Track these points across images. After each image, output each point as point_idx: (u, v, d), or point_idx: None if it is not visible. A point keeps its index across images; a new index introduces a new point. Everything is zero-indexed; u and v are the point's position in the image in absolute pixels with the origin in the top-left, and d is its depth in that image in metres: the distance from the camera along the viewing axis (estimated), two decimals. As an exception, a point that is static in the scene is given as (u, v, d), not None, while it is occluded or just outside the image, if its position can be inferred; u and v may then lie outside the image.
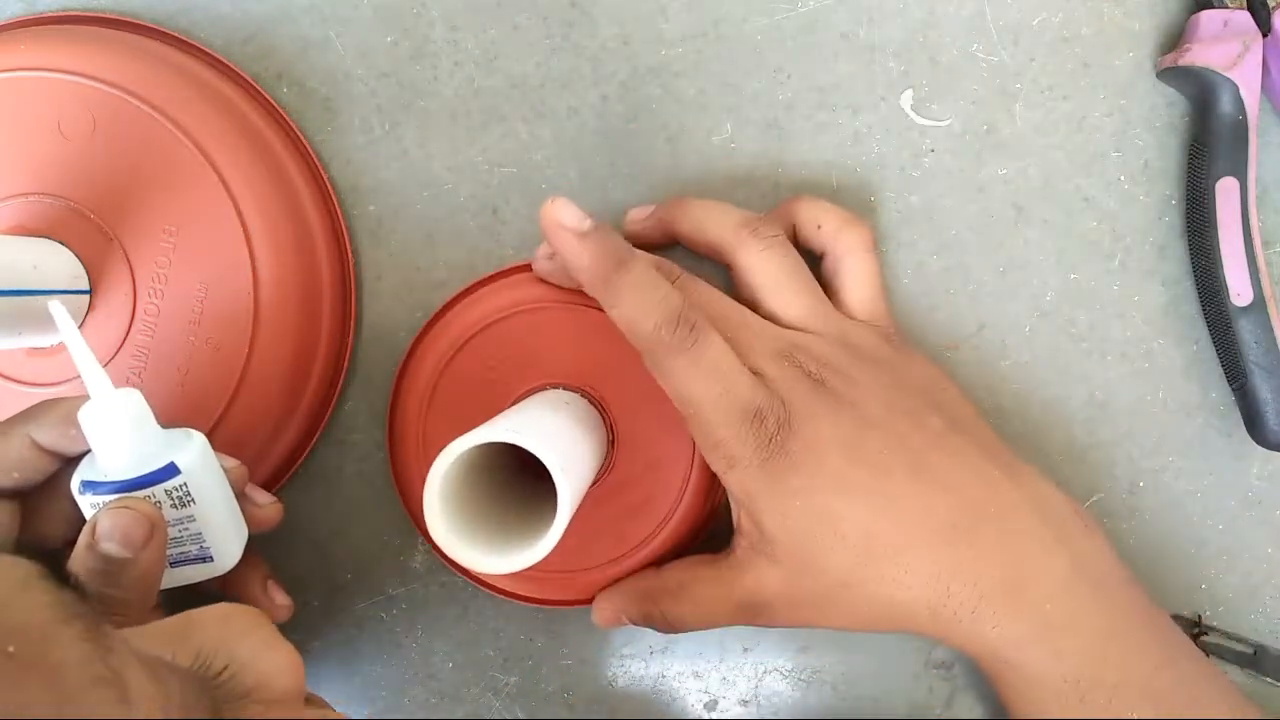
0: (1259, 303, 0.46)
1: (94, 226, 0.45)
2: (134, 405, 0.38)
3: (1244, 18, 0.46)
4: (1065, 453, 0.50)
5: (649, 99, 0.49)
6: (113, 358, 0.45)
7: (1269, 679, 0.49)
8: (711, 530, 0.49)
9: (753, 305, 0.45)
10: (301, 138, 0.50)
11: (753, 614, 0.44)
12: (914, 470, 0.42)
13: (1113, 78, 0.49)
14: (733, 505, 0.44)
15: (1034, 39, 0.49)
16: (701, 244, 0.46)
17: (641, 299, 0.40)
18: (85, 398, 0.37)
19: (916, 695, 0.50)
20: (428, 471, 0.36)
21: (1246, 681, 0.49)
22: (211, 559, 0.40)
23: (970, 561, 0.41)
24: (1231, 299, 0.46)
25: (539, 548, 0.37)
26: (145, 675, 0.27)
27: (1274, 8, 0.46)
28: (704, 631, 0.49)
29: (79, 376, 0.44)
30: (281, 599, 0.46)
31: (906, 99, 0.49)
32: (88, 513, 0.38)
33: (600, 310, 0.42)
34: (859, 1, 0.49)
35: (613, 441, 0.47)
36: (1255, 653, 0.49)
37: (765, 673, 0.50)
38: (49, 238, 0.45)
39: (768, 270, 0.45)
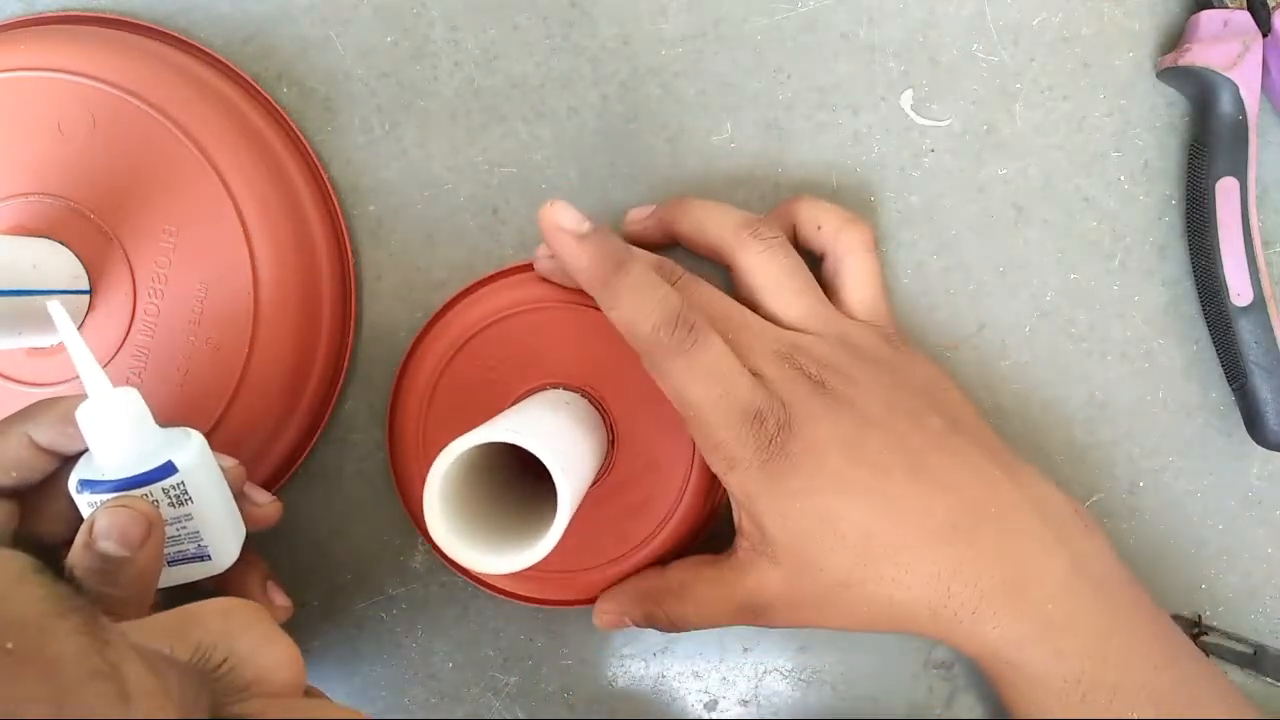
0: (1259, 303, 0.46)
1: (94, 226, 0.45)
2: (132, 404, 0.38)
3: (1244, 18, 0.46)
4: (1065, 453, 0.50)
5: (649, 99, 0.49)
6: (113, 358, 0.45)
7: (1269, 679, 0.49)
8: (712, 530, 0.48)
9: (753, 306, 0.45)
10: (301, 138, 0.50)
11: (754, 614, 0.44)
12: (914, 470, 0.42)
13: (1113, 78, 0.49)
14: (733, 506, 0.44)
15: (1034, 39, 0.49)
16: (701, 245, 0.46)
17: (640, 301, 0.40)
18: (83, 397, 0.37)
19: (916, 695, 0.50)
20: (428, 471, 0.36)
21: (1246, 681, 0.49)
22: (209, 557, 0.40)
23: (970, 561, 0.41)
24: (1231, 299, 0.46)
25: (539, 548, 0.37)
26: (144, 669, 0.26)
27: (1274, 8, 0.46)
28: (704, 631, 0.49)
29: (79, 376, 0.44)
30: (281, 600, 0.45)
31: (906, 99, 0.49)
32: (85, 511, 0.38)
33: (600, 310, 0.42)
34: (859, 1, 0.49)
35: (613, 441, 0.47)
36: (1255, 653, 0.49)
37: (765, 673, 0.50)
38: (49, 238, 0.45)
39: (767, 271, 0.45)
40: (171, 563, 0.40)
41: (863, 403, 0.42)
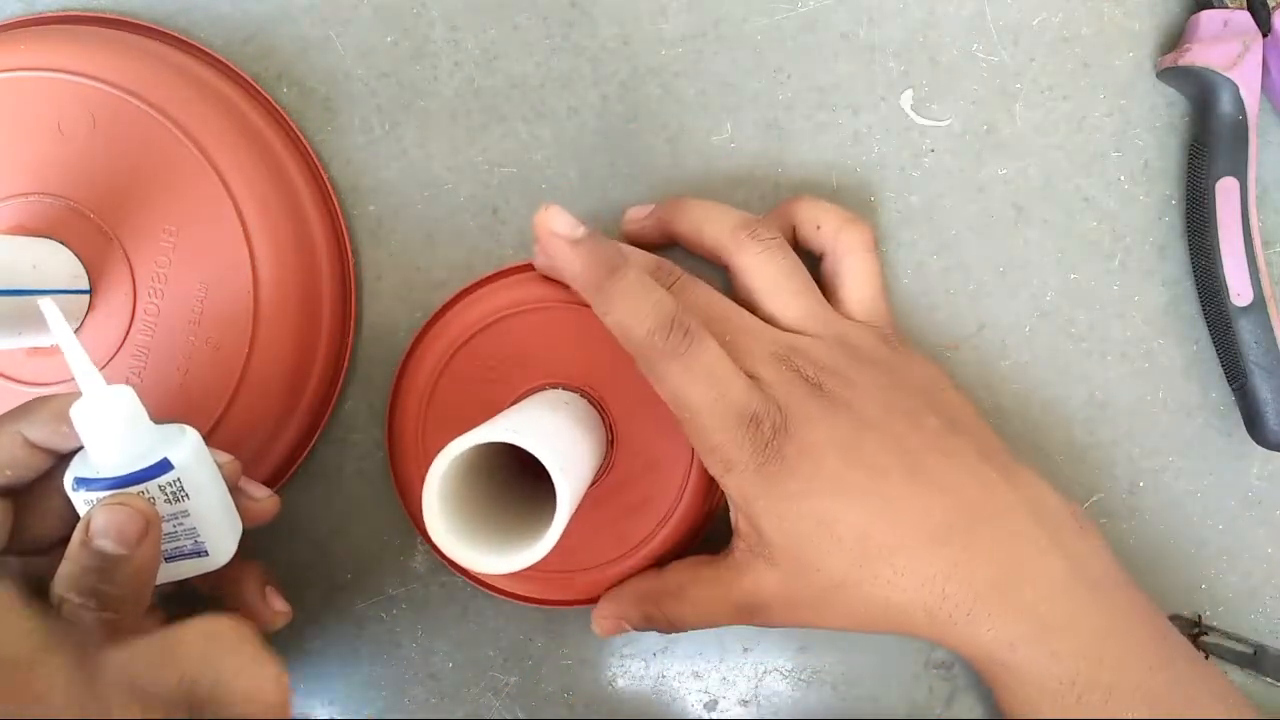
0: (1259, 303, 0.46)
1: (94, 226, 0.45)
2: (126, 402, 0.38)
3: (1244, 18, 0.46)
4: (1065, 453, 0.50)
5: (649, 99, 0.49)
6: (113, 357, 0.45)
7: (1269, 679, 0.49)
8: (710, 531, 0.48)
9: (750, 307, 0.45)
10: (301, 138, 0.50)
11: (751, 614, 0.44)
12: (911, 472, 0.42)
13: (1113, 78, 0.49)
14: (730, 507, 0.44)
15: (1034, 39, 0.49)
16: (699, 245, 0.47)
17: (633, 305, 0.40)
18: (77, 395, 0.37)
19: (916, 695, 0.50)
20: (427, 471, 0.36)
21: (1246, 681, 0.49)
22: (206, 554, 0.40)
23: (965, 563, 0.41)
24: (1231, 299, 0.46)
25: (538, 548, 0.37)
26: (131, 700, 0.27)
27: (1274, 8, 0.46)
28: (704, 631, 0.50)
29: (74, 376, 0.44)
30: (279, 605, 0.45)
31: (906, 99, 0.49)
32: (81, 509, 0.38)
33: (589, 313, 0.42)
34: (859, 1, 0.49)
35: (612, 441, 0.47)
36: (1255, 653, 0.49)
37: (765, 673, 0.50)
38: (49, 237, 0.45)
39: (765, 272, 0.45)
40: (169, 559, 0.40)
41: (860, 404, 0.42)
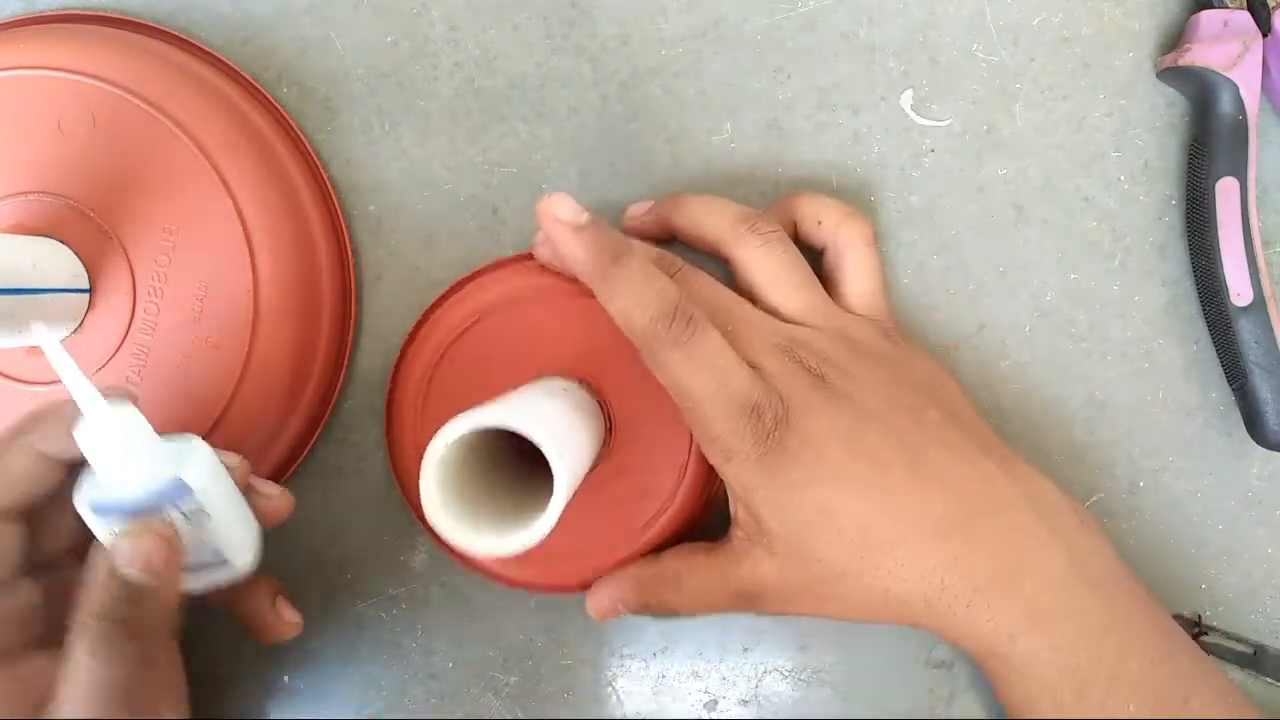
0: (1259, 303, 0.46)
1: (94, 225, 0.45)
2: (133, 422, 0.37)
3: (1244, 18, 0.46)
4: (1065, 453, 0.50)
5: (649, 99, 0.49)
6: (112, 356, 0.45)
7: (1269, 679, 0.48)
8: (709, 519, 0.48)
9: (752, 300, 0.45)
10: (302, 137, 0.50)
11: (747, 602, 0.44)
12: (912, 465, 0.42)
13: (1113, 78, 0.49)
14: (730, 496, 0.44)
15: (1034, 39, 0.49)
16: (700, 239, 0.47)
17: (637, 293, 0.40)
18: (72, 401, 0.36)
19: (917, 695, 0.50)
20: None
21: (1246, 681, 0.49)
22: (228, 563, 0.41)
23: (965, 555, 0.41)
24: (1231, 299, 0.46)
25: (535, 529, 0.36)
26: None
27: (1274, 8, 0.46)
28: (704, 631, 0.50)
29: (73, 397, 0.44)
30: (290, 615, 0.45)
31: (906, 99, 0.49)
32: (100, 534, 0.38)
33: (595, 298, 0.42)
34: (859, 1, 0.49)
35: (610, 429, 0.46)
36: (1255, 653, 0.49)
37: (765, 673, 0.50)
38: (49, 236, 0.45)
39: (766, 266, 0.45)
40: (192, 571, 0.40)
41: (861, 397, 0.42)
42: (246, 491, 0.41)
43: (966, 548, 0.41)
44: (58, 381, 0.45)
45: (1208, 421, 0.49)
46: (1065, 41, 0.49)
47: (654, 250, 0.46)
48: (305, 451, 0.50)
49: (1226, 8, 0.46)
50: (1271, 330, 0.46)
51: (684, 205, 0.47)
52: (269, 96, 0.50)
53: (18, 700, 0.39)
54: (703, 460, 0.46)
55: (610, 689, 0.50)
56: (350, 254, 0.50)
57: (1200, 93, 0.47)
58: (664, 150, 0.50)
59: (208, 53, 0.49)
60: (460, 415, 0.36)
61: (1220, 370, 0.48)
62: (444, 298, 0.48)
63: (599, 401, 0.46)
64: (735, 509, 0.44)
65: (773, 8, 0.49)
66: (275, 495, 0.42)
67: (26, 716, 0.38)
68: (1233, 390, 0.48)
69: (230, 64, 0.49)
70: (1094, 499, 0.49)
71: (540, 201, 0.40)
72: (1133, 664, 0.41)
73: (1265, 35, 0.46)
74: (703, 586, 0.44)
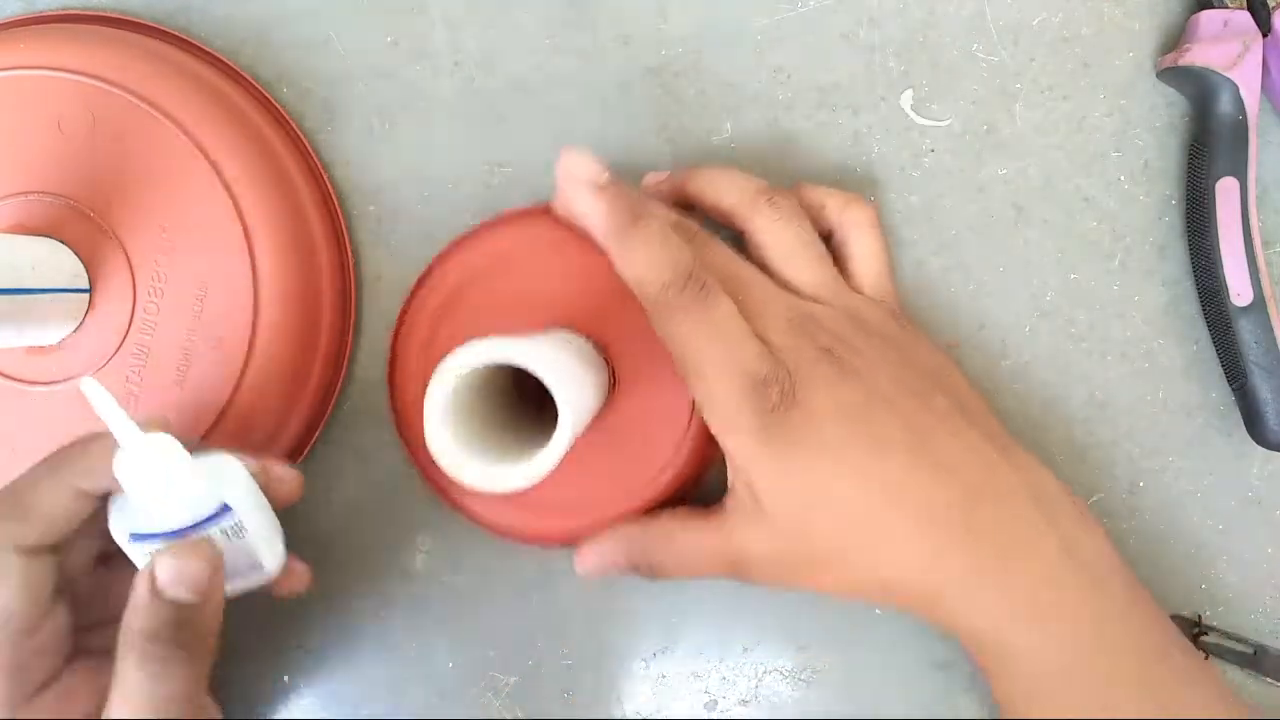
0: (1259, 303, 0.46)
1: (93, 225, 0.45)
2: (173, 452, 0.37)
3: (1244, 18, 0.46)
4: (1065, 453, 0.49)
5: (649, 99, 0.49)
6: (112, 356, 0.45)
7: (1269, 679, 0.48)
8: (707, 482, 0.48)
9: (765, 273, 0.45)
10: (301, 137, 0.50)
11: (735, 569, 0.44)
12: (915, 449, 0.41)
13: (1113, 78, 0.49)
14: (729, 465, 0.44)
15: (1034, 39, 0.49)
16: (716, 209, 0.46)
17: (652, 255, 0.40)
18: (106, 434, 0.37)
19: (917, 695, 0.50)
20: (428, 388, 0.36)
21: (1246, 682, 0.49)
22: (263, 567, 0.41)
23: (961, 542, 0.41)
24: (1231, 299, 0.46)
25: (540, 461, 0.36)
26: None
27: (1274, 8, 0.46)
28: (704, 631, 0.50)
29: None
30: (300, 566, 0.45)
31: (906, 99, 0.49)
32: (140, 563, 0.38)
33: (604, 254, 0.41)
34: (859, 1, 0.49)
35: (614, 387, 0.46)
36: (1255, 653, 0.49)
37: (765, 673, 0.50)
38: (49, 236, 0.45)
39: (782, 239, 0.45)
40: (229, 579, 0.40)
41: (870, 376, 0.42)
42: (266, 488, 0.41)
43: (964, 534, 0.41)
44: (56, 382, 0.45)
45: (1208, 421, 0.49)
46: (1065, 41, 0.49)
47: (673, 215, 0.45)
48: (305, 452, 0.50)
49: (1226, 8, 0.46)
50: (1271, 330, 0.46)
51: (702, 175, 0.46)
52: (269, 96, 0.50)
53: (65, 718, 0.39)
54: (704, 425, 0.45)
55: (610, 689, 0.50)
56: (350, 254, 0.50)
57: (1200, 93, 0.47)
58: (664, 150, 0.50)
59: (207, 53, 0.49)
60: (469, 344, 0.36)
61: (1220, 370, 0.48)
62: (459, 243, 0.48)
63: (605, 359, 0.46)
64: (732, 478, 0.44)
65: (773, 8, 0.49)
66: (290, 480, 0.43)
67: None
68: (1233, 390, 0.48)
69: (230, 64, 0.49)
70: (1094, 499, 0.49)
71: (560, 158, 0.40)
72: (1128, 659, 0.41)
73: (1265, 35, 0.46)
74: (693, 551, 0.44)
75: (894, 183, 0.49)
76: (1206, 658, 0.49)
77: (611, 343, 0.46)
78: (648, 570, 0.45)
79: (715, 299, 0.40)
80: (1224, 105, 0.46)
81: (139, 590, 0.38)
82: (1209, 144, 0.46)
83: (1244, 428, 0.48)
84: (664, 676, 0.50)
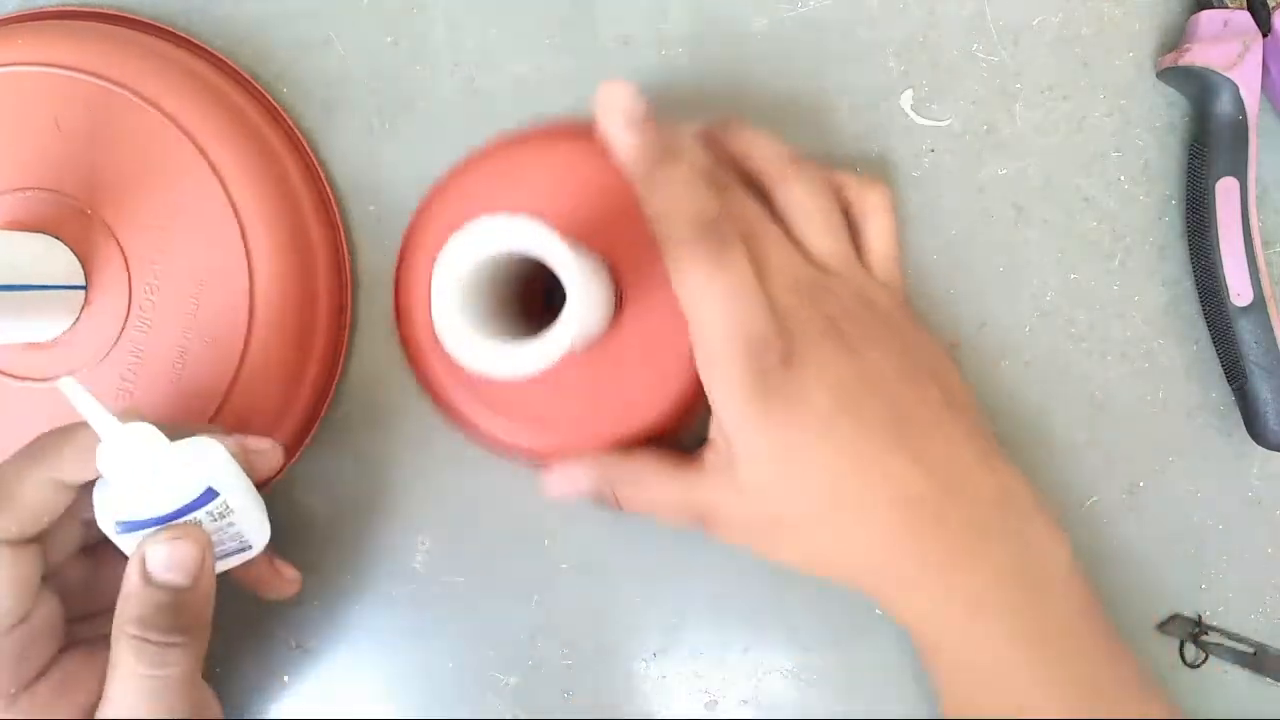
0: (1259, 303, 0.46)
1: (90, 221, 0.45)
2: (154, 441, 0.38)
3: (1244, 18, 0.46)
4: (1065, 453, 0.49)
5: (649, 99, 0.49)
6: (108, 353, 0.45)
7: (1269, 679, 0.48)
8: (694, 426, 0.47)
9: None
10: (299, 135, 0.49)
11: (700, 522, 0.44)
12: (899, 436, 0.41)
13: (1113, 78, 0.49)
14: (712, 418, 0.43)
15: (1034, 39, 0.49)
16: (747, 169, 0.46)
17: (677, 197, 0.40)
18: (83, 424, 0.37)
19: (917, 695, 0.50)
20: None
21: (1246, 682, 0.49)
22: (250, 547, 0.42)
23: (922, 535, 0.41)
24: (1231, 299, 0.47)
25: (549, 344, 0.36)
26: None
27: (1274, 8, 0.46)
28: (704, 631, 0.50)
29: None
30: (289, 573, 0.46)
31: (906, 99, 0.49)
32: (128, 550, 0.39)
33: (624, 178, 0.41)
34: (859, 1, 0.49)
35: (620, 308, 0.46)
36: (1255, 653, 0.49)
37: (765, 673, 0.50)
38: (45, 233, 0.45)
39: (808, 206, 0.45)
40: (217, 559, 0.41)
41: (869, 356, 0.42)
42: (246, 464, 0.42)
43: (928, 528, 0.41)
44: (52, 378, 0.45)
45: (1208, 421, 0.49)
46: (1065, 41, 0.49)
47: (709, 159, 0.44)
48: (300, 450, 0.49)
49: (1226, 8, 0.46)
50: (1271, 330, 0.46)
51: (739, 131, 0.46)
52: (267, 95, 0.50)
53: (62, 707, 0.40)
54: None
55: (610, 689, 0.50)
56: (347, 252, 0.50)
57: (1200, 93, 0.47)
58: (664, 149, 0.49)
59: (206, 51, 0.49)
60: (481, 220, 0.35)
61: (1220, 370, 0.48)
62: (473, 157, 0.47)
63: (613, 281, 0.45)
64: (714, 432, 0.43)
65: (773, 8, 0.49)
66: (268, 450, 0.43)
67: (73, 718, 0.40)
68: (1233, 390, 0.48)
69: (227, 61, 0.49)
70: (1094, 499, 0.49)
71: (601, 87, 0.40)
72: (1059, 673, 0.41)
73: (1265, 35, 0.46)
74: (661, 494, 0.44)
75: (894, 183, 0.49)
76: (1206, 658, 0.49)
77: (620, 265, 0.45)
78: (613, 502, 0.45)
79: (731, 253, 0.40)
80: (1224, 105, 0.46)
81: (130, 578, 0.38)
82: (1209, 144, 0.47)
83: (1244, 428, 0.48)
84: (664, 676, 0.50)
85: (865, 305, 0.44)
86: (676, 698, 0.50)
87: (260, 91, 0.49)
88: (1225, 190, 0.46)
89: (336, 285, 0.49)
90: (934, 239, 0.49)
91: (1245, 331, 0.47)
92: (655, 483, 0.44)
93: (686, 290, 0.40)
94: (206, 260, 0.46)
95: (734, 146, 0.46)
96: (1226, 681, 0.49)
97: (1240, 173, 0.46)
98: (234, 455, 0.40)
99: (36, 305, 0.43)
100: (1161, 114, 0.49)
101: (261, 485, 0.42)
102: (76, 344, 0.46)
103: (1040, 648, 0.41)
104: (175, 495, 0.38)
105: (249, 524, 0.41)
